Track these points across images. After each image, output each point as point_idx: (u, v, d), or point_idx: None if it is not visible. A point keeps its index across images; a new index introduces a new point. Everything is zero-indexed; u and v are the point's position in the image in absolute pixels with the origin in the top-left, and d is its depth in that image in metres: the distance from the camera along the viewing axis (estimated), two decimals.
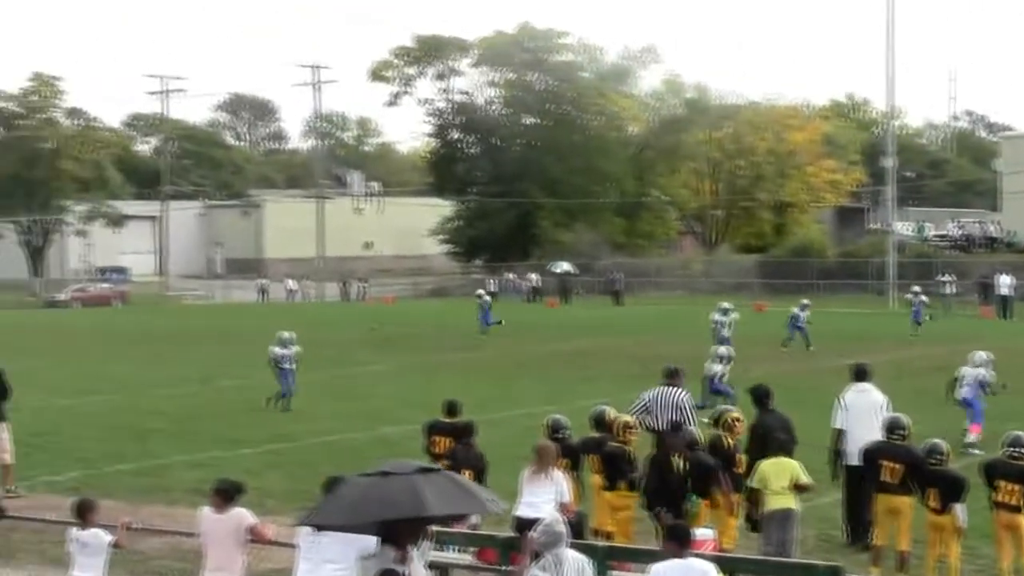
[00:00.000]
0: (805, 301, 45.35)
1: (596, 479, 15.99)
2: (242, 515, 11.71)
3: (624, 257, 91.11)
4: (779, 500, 14.51)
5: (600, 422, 16.44)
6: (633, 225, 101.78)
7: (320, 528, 10.32)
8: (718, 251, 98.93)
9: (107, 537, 12.00)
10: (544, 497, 13.77)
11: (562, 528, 10.20)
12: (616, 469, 15.52)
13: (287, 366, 30.07)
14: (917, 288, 51.89)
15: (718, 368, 29.66)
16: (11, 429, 20.86)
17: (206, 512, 11.88)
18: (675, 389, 18.01)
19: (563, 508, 13.67)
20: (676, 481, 14.59)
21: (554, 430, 16.02)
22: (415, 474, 9.74)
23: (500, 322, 51.49)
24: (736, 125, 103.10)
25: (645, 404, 18.08)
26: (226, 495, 11.81)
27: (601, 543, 13.52)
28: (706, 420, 16.97)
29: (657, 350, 42.84)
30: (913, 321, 49.41)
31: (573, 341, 47.23)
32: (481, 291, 55.76)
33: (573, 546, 10.42)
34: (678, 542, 10.19)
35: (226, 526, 11.64)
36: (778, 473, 14.60)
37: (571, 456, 15.66)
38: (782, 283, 76.72)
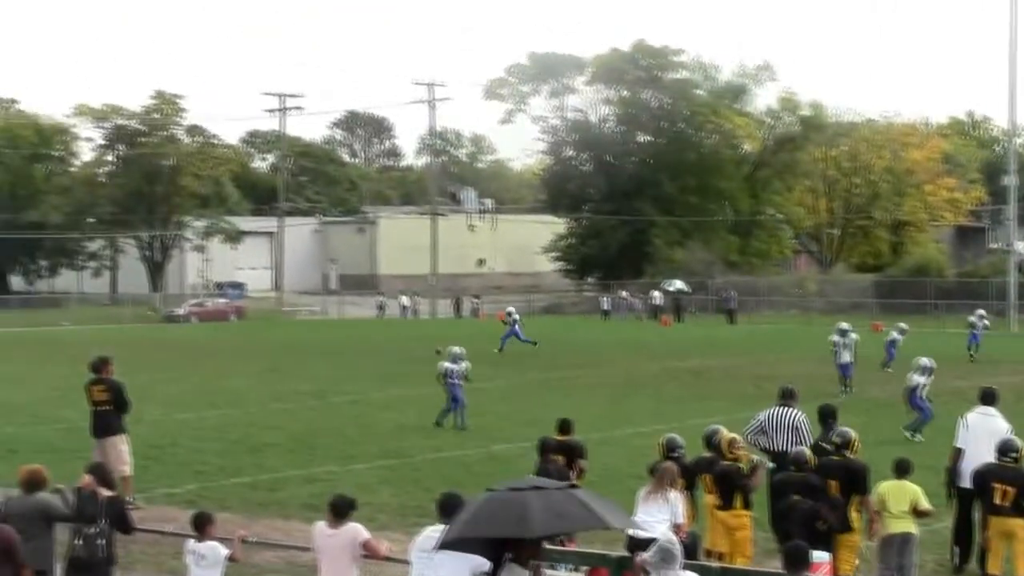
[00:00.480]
0: (903, 325, 44.46)
1: (709, 499, 15.82)
2: (356, 530, 11.74)
3: (737, 276, 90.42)
4: (898, 524, 14.25)
5: (713, 442, 16.29)
6: (747, 243, 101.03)
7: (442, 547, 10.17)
8: (833, 270, 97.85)
9: (224, 550, 12.10)
10: (658, 517, 13.67)
11: (677, 548, 10.08)
12: (730, 488, 15.33)
13: (455, 381, 29.83)
14: (982, 311, 50.05)
15: (920, 380, 28.02)
16: (130, 441, 21.16)
17: (320, 527, 11.93)
18: (791, 410, 17.97)
19: (676, 529, 13.55)
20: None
21: (670, 449, 15.92)
22: (531, 491, 9.61)
23: (535, 343, 50.52)
24: (853, 143, 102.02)
25: (761, 424, 18.04)
26: (339, 510, 11.86)
27: (715, 564, 13.37)
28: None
29: (771, 370, 42.47)
30: (972, 344, 47.04)
31: (686, 360, 46.92)
32: (511, 309, 56.02)
33: (687, 567, 10.30)
34: (793, 565, 10.05)
35: (340, 541, 11.68)
36: (898, 496, 14.34)
37: (686, 476, 15.55)
38: (899, 303, 75.63)
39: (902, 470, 14.70)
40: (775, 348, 51.77)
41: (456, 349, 30.86)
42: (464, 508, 9.89)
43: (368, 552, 11.68)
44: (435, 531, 10.98)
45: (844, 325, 39.12)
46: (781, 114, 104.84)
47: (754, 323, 72.67)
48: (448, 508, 11.26)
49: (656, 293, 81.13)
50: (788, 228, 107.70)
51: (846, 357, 37.07)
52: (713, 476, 15.49)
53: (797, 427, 17.78)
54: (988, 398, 17.18)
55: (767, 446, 17.60)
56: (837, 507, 14.45)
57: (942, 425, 22.92)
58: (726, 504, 15.29)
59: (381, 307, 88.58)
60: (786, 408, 18.15)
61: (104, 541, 12.69)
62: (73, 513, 12.94)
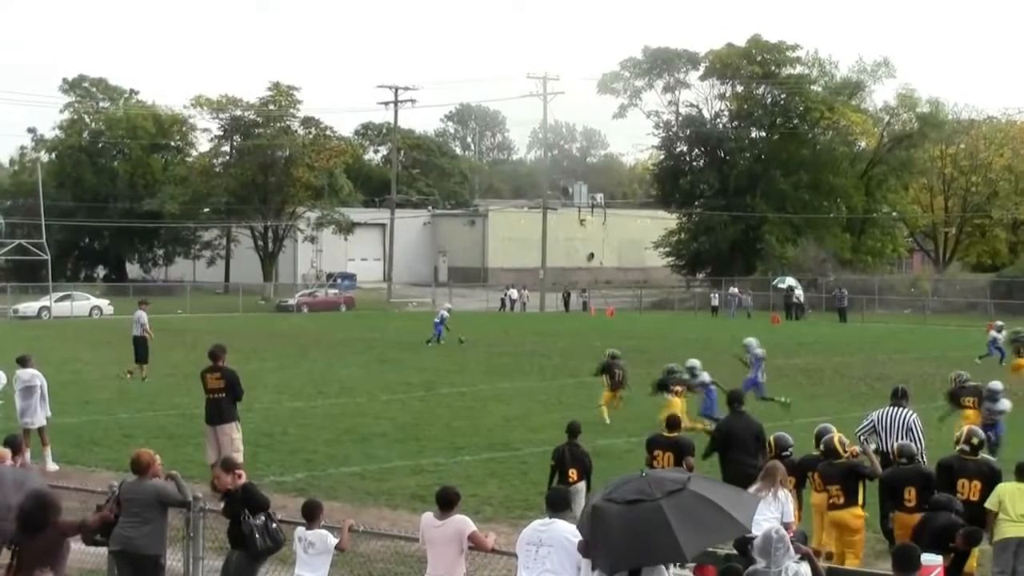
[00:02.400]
0: (999, 323, 44.83)
1: (819, 498, 15.69)
2: (462, 522, 11.77)
3: (850, 274, 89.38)
4: (1016, 528, 13.93)
5: (825, 441, 16.14)
6: (860, 241, 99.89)
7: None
8: (949, 269, 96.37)
9: (332, 539, 12.20)
10: (767, 515, 13.54)
11: (787, 539, 9.94)
12: (854, 485, 15.22)
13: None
14: (1000, 323, 46.95)
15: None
16: (242, 429, 21.44)
17: (428, 518, 11.98)
18: (904, 410, 17.86)
19: (786, 527, 13.42)
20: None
21: (780, 447, 15.89)
22: (664, 499, 9.50)
23: (461, 340, 50.01)
24: (971, 140, 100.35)
25: (872, 424, 17.91)
26: (446, 502, 11.90)
27: (824, 564, 13.21)
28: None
29: (883, 369, 41.93)
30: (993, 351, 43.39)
31: (796, 358, 46.45)
32: (448, 305, 57.31)
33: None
34: (903, 567, 9.88)
35: (446, 532, 11.72)
36: (1018, 499, 14.02)
37: (795, 474, 15.49)
38: (1017, 303, 74.25)
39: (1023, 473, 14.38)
40: (888, 347, 51.03)
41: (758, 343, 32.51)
42: (597, 522, 9.63)
43: (474, 544, 11.71)
44: (542, 524, 10.97)
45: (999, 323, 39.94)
46: (898, 111, 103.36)
47: (867, 322, 71.72)
48: (557, 503, 11.27)
49: (798, 292, 79.15)
50: (903, 226, 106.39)
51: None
52: (830, 474, 15.32)
53: (909, 428, 17.70)
54: None
55: (878, 446, 17.42)
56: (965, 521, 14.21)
57: None
58: (848, 502, 15.13)
59: (505, 300, 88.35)
60: (898, 408, 18.05)
61: (271, 524, 12.92)
62: (186, 499, 13.12)
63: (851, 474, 15.27)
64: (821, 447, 15.62)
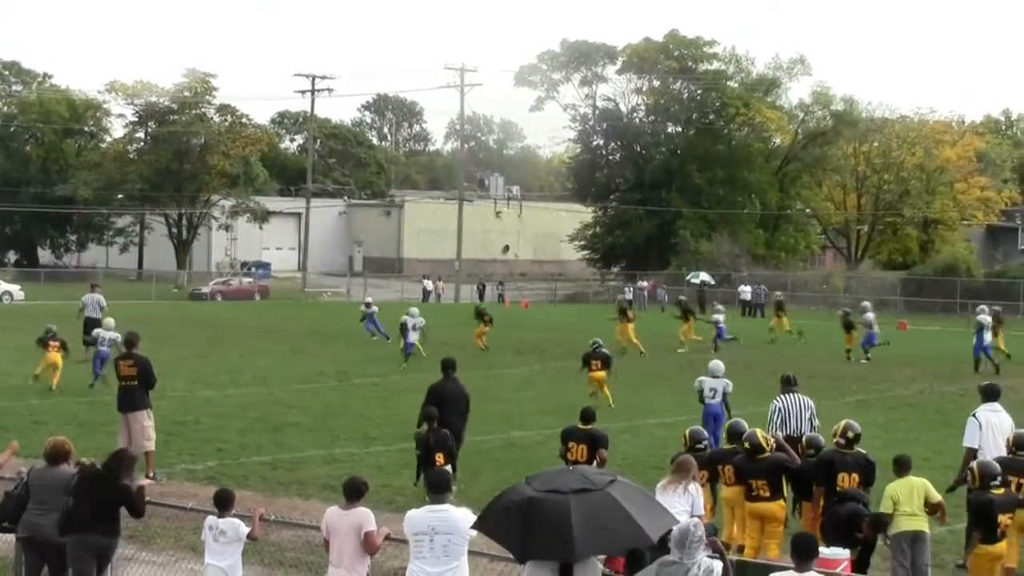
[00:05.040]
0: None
1: (730, 491, 15.90)
2: (364, 515, 11.72)
3: (763, 270, 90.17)
4: (911, 522, 14.20)
5: (735, 435, 16.36)
6: (774, 237, 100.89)
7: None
8: (861, 267, 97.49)
9: (244, 528, 12.17)
10: (677, 508, 13.66)
11: (700, 532, 10.05)
12: (779, 478, 15.56)
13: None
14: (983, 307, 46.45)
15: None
16: (154, 416, 21.31)
17: (333, 509, 11.97)
18: (801, 396, 19.20)
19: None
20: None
21: (695, 441, 16.12)
22: (573, 495, 9.61)
23: (388, 337, 47.00)
24: (884, 139, 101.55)
25: (781, 413, 18.87)
26: (351, 492, 11.89)
27: (733, 557, 13.36)
28: None
29: (792, 365, 42.35)
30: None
31: (706, 353, 46.79)
32: (370, 299, 51.86)
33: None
34: (798, 556, 10.01)
35: (349, 523, 11.70)
36: (908, 493, 14.30)
37: (707, 468, 15.71)
38: (926, 301, 75.31)
39: (904, 466, 14.63)
40: (798, 343, 51.52)
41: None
42: (538, 513, 9.68)
43: (364, 541, 11.62)
44: (432, 510, 10.96)
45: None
46: (813, 108, 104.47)
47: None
48: (443, 484, 11.34)
49: (750, 288, 79.29)
50: (816, 223, 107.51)
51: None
52: (754, 469, 15.50)
53: (811, 411, 18.95)
54: (993, 394, 17.37)
55: (788, 434, 17.86)
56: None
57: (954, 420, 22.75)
58: (774, 496, 15.38)
59: (427, 292, 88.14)
60: (795, 394, 19.10)
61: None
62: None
63: (779, 469, 15.53)
64: (745, 443, 15.78)
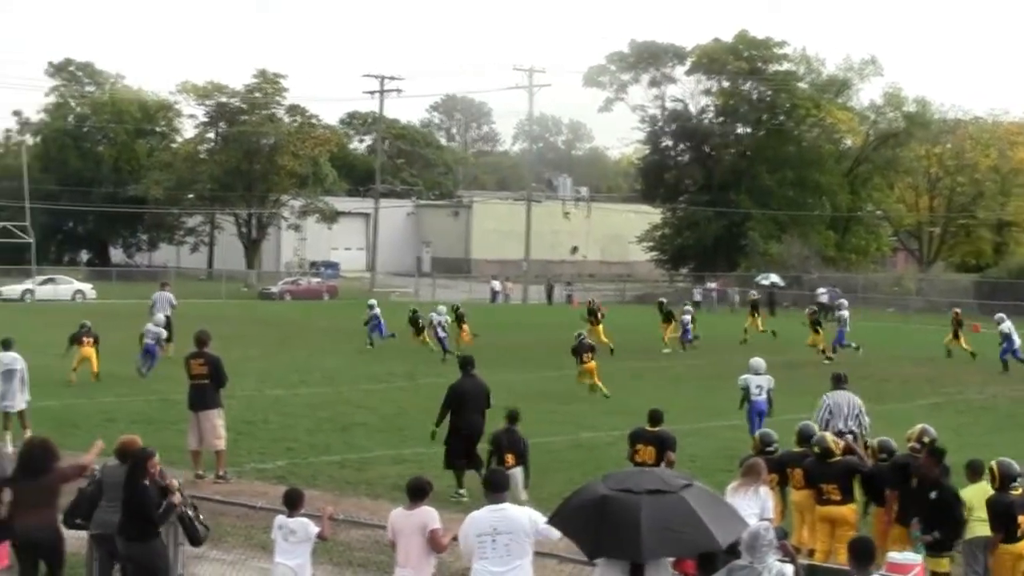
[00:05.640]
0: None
1: (800, 495, 15.77)
2: (428, 514, 11.70)
3: (833, 271, 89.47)
4: (985, 528, 14.00)
5: (805, 438, 16.21)
6: (844, 239, 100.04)
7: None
8: (933, 269, 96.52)
9: (314, 527, 12.18)
10: (747, 512, 13.54)
11: (771, 536, 9.95)
12: (850, 482, 15.37)
13: None
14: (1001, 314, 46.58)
15: None
16: (225, 416, 21.42)
17: (397, 511, 11.95)
18: (850, 393, 19.92)
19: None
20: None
21: (765, 444, 15.99)
22: (646, 495, 9.55)
23: (393, 335, 47.17)
24: (958, 140, 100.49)
25: (828, 407, 19.64)
26: (415, 492, 11.87)
27: (804, 561, 13.25)
28: None
29: (864, 369, 42.02)
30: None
31: (778, 354, 46.47)
32: (373, 301, 50.31)
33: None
34: (857, 560, 9.88)
35: (413, 522, 11.67)
36: (982, 499, 14.09)
37: (777, 471, 15.57)
38: (1000, 304, 74.27)
39: (977, 471, 14.43)
40: (870, 346, 51.07)
41: None
42: (610, 512, 9.66)
43: (430, 540, 11.60)
44: (492, 510, 10.89)
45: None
46: (885, 109, 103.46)
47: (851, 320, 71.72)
48: (500, 484, 11.23)
49: (822, 290, 78.56)
50: (887, 225, 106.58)
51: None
52: (825, 473, 15.37)
53: (858, 409, 19.64)
54: None
55: (833, 428, 18.58)
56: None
57: None
58: (844, 499, 15.25)
59: (495, 292, 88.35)
60: (844, 392, 19.89)
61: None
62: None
63: (850, 472, 15.38)
64: (814, 447, 15.64)
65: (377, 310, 47.61)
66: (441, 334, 43.43)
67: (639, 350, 47.08)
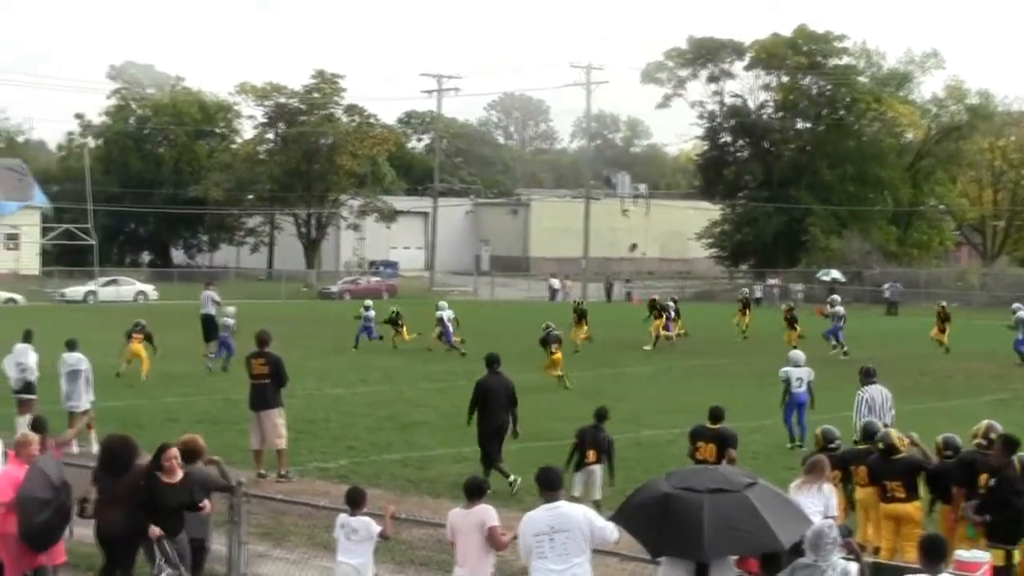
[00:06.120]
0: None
1: (864, 492, 15.62)
2: (486, 512, 11.68)
3: (895, 267, 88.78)
4: None
5: (869, 435, 16.07)
6: (906, 234, 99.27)
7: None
8: (997, 263, 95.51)
9: (376, 526, 12.19)
10: (810, 509, 13.44)
11: (835, 534, 9.87)
12: (914, 479, 15.18)
13: None
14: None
15: None
16: (286, 415, 21.49)
17: (455, 511, 11.94)
18: (882, 387, 20.30)
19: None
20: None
21: (827, 440, 15.86)
22: (708, 494, 9.55)
23: (380, 337, 46.20)
24: (1021, 132, 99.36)
25: (867, 404, 19.91)
26: (472, 491, 11.86)
27: (868, 559, 13.12)
28: None
29: (928, 364, 41.68)
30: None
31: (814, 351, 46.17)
32: (369, 302, 48.26)
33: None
34: (929, 557, 9.75)
35: (471, 520, 11.66)
36: None
37: (840, 468, 15.43)
38: None
39: None
40: (933, 342, 50.58)
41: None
42: (672, 510, 9.65)
43: (490, 538, 11.57)
44: (547, 509, 10.84)
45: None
46: (947, 102, 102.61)
47: (913, 315, 71.22)
48: (553, 481, 11.12)
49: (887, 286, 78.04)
50: (950, 219, 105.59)
51: None
52: (889, 470, 15.22)
53: (889, 400, 20.15)
54: None
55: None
56: None
57: None
58: (909, 496, 15.09)
59: (553, 290, 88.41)
60: (876, 385, 20.23)
61: None
62: (230, 484, 13.17)
63: (914, 469, 15.20)
64: (879, 443, 15.50)
65: (371, 312, 46.35)
66: (449, 329, 43.70)
67: (698, 347, 46.89)
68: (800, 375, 25.16)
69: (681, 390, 33.37)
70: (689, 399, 29.81)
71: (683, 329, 49.64)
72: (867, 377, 20.49)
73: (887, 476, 15.18)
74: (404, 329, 45.60)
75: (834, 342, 45.37)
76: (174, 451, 12.62)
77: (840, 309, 46.73)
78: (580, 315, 46.50)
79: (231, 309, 39.21)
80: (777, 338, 46.55)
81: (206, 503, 12.75)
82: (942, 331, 47.19)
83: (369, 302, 48.68)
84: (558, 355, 35.03)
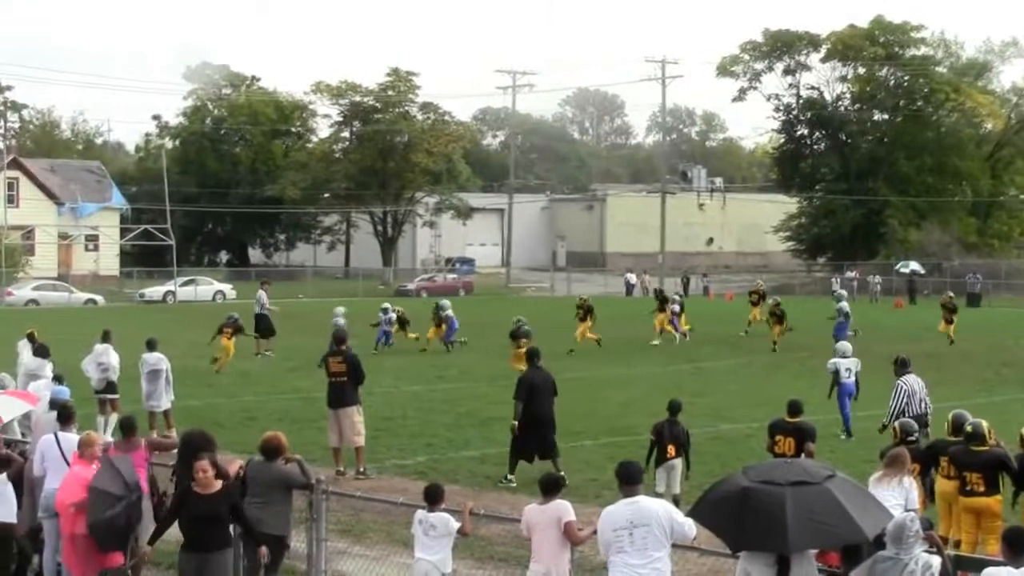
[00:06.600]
0: None
1: (947, 485, 15.45)
2: (562, 507, 11.68)
3: (975, 258, 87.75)
4: None
5: (959, 426, 15.86)
6: (986, 224, 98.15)
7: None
8: None
9: (455, 523, 12.22)
10: (891, 503, 13.31)
11: (917, 526, 9.77)
12: (997, 474, 15.02)
13: None
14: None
15: None
16: (364, 412, 21.60)
17: (531, 507, 11.95)
18: (917, 377, 20.54)
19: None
20: None
21: (906, 434, 15.71)
22: (789, 487, 9.50)
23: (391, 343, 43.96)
24: None
25: (907, 394, 20.16)
26: (548, 487, 11.86)
27: (950, 552, 12.98)
28: None
29: (1010, 355, 41.18)
30: None
31: (921, 343, 45.71)
32: (387, 305, 46.00)
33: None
34: (1012, 549, 9.61)
35: (547, 516, 11.66)
36: None
37: (920, 461, 15.28)
38: None
39: None
40: (1015, 333, 50.01)
41: None
42: (752, 504, 9.61)
43: (566, 533, 11.56)
44: (627, 503, 10.79)
45: None
46: None
47: (994, 307, 70.40)
48: (633, 476, 11.05)
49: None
50: None
51: None
52: (971, 462, 15.05)
53: (924, 389, 20.34)
54: None
55: (915, 414, 19.10)
56: None
57: None
58: (989, 491, 14.92)
59: (630, 285, 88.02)
60: (912, 375, 20.50)
61: None
62: (310, 482, 13.24)
63: (997, 463, 15.01)
64: (968, 428, 15.33)
65: (392, 314, 44.53)
66: (455, 326, 43.89)
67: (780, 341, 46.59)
68: (848, 365, 25.82)
69: (762, 384, 33.17)
70: (769, 393, 29.62)
71: (689, 326, 48.22)
72: (903, 368, 20.76)
73: (968, 468, 15.01)
74: (408, 329, 44.55)
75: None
76: (205, 463, 12.27)
77: (844, 305, 45.15)
78: (587, 312, 44.87)
79: (341, 309, 40.68)
80: (868, 331, 46.05)
81: (263, 550, 12.54)
82: (949, 323, 46.48)
83: (387, 305, 46.18)
84: (523, 350, 34.60)
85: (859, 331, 44.33)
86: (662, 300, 47.83)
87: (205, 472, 12.21)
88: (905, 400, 19.92)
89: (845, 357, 26.02)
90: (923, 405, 19.99)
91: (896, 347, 43.05)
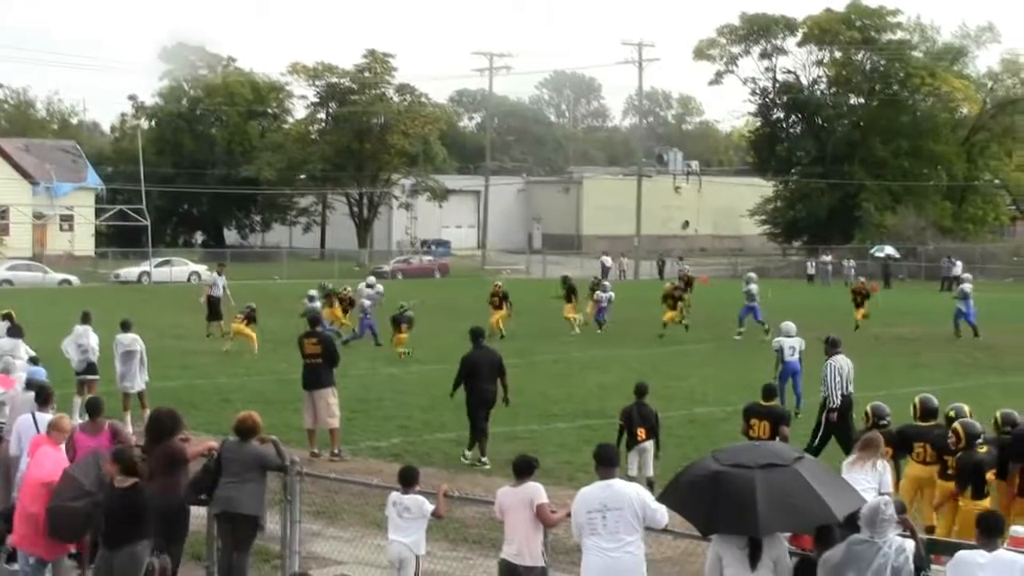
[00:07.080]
0: None
1: (921, 470, 15.49)
2: (535, 489, 11.67)
3: (950, 242, 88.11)
4: None
5: (929, 411, 15.87)
6: (961, 209, 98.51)
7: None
8: None
9: (429, 505, 12.22)
10: (864, 486, 13.35)
11: (891, 510, 9.80)
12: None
13: None
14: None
15: None
16: (338, 394, 21.59)
17: (504, 489, 11.95)
18: (846, 358, 20.59)
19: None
20: None
21: (878, 417, 15.75)
22: (759, 470, 9.53)
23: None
24: None
25: (841, 375, 20.19)
26: (521, 469, 11.85)
27: (924, 536, 13.03)
28: None
29: (984, 339, 41.33)
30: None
31: (895, 327, 45.90)
32: (313, 292, 41.58)
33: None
34: (986, 533, 9.65)
35: (520, 497, 11.66)
36: None
37: (892, 444, 15.33)
38: None
39: None
40: (989, 317, 50.21)
41: None
42: (723, 488, 9.63)
43: (539, 515, 11.56)
44: (600, 487, 10.79)
45: None
46: (1003, 76, 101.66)
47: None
48: (610, 459, 11.09)
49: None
50: (1006, 194, 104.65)
51: None
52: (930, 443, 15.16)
53: (850, 369, 20.48)
54: None
55: (845, 393, 19.92)
56: None
57: None
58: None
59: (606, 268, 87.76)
60: (841, 355, 20.57)
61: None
62: (284, 463, 13.20)
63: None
64: (950, 412, 15.36)
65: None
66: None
67: (752, 325, 46.67)
68: (793, 344, 26.29)
69: (737, 368, 33.24)
70: (745, 377, 29.70)
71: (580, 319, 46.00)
72: (833, 347, 20.85)
73: (950, 452, 15.04)
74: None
75: (764, 324, 42.20)
76: (110, 466, 11.91)
77: (754, 288, 44.17)
78: (570, 291, 44.49)
79: (315, 292, 40.88)
80: (839, 315, 46.18)
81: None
82: (859, 306, 45.07)
83: (313, 292, 41.78)
84: (404, 336, 36.05)
85: (769, 328, 40.91)
86: (569, 289, 45.49)
87: (108, 466, 11.93)
88: (837, 378, 20.08)
89: (789, 336, 26.43)
90: (849, 386, 20.21)
91: (870, 331, 43.30)
